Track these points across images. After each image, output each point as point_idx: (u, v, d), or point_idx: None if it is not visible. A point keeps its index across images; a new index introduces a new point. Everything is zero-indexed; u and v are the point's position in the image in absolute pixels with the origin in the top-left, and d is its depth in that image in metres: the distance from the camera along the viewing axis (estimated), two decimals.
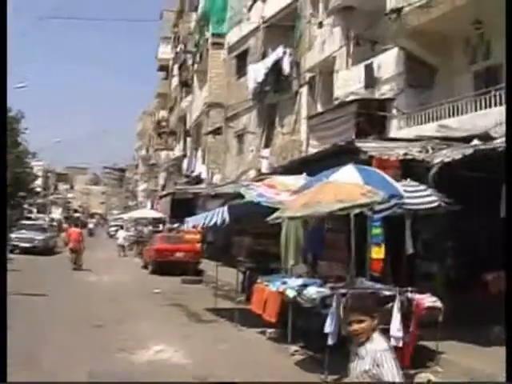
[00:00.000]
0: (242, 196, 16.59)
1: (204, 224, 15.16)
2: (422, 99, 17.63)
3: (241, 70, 33.18)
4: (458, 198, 12.08)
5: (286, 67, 26.16)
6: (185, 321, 15.32)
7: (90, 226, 69.86)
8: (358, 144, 13.90)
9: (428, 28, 16.18)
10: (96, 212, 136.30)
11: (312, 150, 21.69)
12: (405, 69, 17.87)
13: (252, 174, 29.27)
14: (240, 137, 33.23)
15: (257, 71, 28.16)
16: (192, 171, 41.88)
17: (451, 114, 15.53)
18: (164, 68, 69.01)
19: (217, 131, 36.33)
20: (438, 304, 10.26)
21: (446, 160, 10.85)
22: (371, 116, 18.39)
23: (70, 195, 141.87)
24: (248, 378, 9.55)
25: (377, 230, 12.32)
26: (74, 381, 9.19)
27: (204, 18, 40.82)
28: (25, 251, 33.08)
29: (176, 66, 56.90)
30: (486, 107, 14.49)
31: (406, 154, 12.59)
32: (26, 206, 65.50)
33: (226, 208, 14.12)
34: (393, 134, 17.66)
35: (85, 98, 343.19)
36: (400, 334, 9.98)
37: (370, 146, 13.84)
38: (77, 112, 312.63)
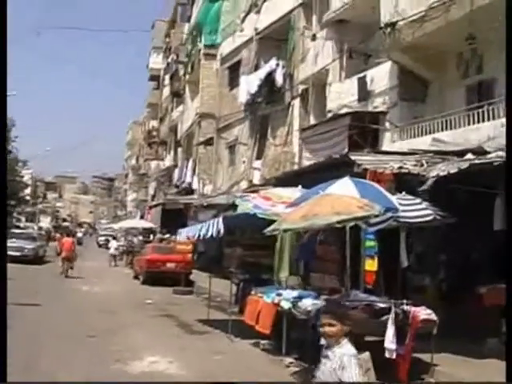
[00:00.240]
0: (234, 207, 16.64)
1: (200, 236, 15.11)
2: (414, 112, 17.78)
3: (233, 81, 33.26)
4: (451, 211, 12.20)
5: (278, 79, 26.25)
6: (178, 332, 15.28)
7: (79, 235, 69.51)
8: (353, 157, 13.98)
9: (421, 42, 16.31)
10: (84, 221, 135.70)
11: (305, 162, 21.81)
12: (398, 82, 18.01)
13: (244, 185, 29.35)
14: (232, 148, 33.27)
15: (250, 83, 28.22)
16: (183, 182, 41.86)
17: (444, 127, 15.66)
18: (155, 78, 68.96)
19: (208, 142, 36.35)
20: (433, 317, 10.33)
21: (442, 174, 10.94)
22: (364, 129, 18.49)
23: (58, 204, 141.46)
24: None
25: (370, 243, 12.40)
26: None
27: (197, 28, 41.00)
28: (14, 260, 32.82)
29: (167, 76, 56.97)
30: (478, 121, 14.63)
31: (400, 168, 12.67)
32: (15, 214, 65.27)
33: (220, 219, 14.11)
34: (386, 147, 17.75)
35: (74, 107, 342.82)
36: (393, 346, 10.05)
37: (364, 159, 13.94)
38: (66, 121, 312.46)
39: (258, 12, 29.81)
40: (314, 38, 23.50)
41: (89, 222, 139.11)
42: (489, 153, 11.84)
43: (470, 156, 11.98)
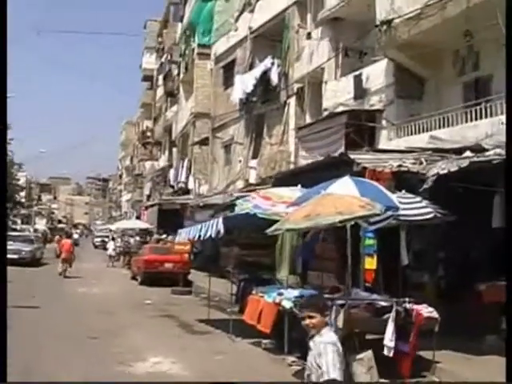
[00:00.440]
0: (232, 207, 16.60)
1: (200, 237, 15.08)
2: (411, 110, 17.74)
3: (228, 81, 33.19)
4: (450, 208, 12.23)
5: (274, 78, 26.19)
6: (179, 332, 15.30)
7: (75, 236, 69.37)
8: (353, 156, 13.99)
9: (418, 40, 16.26)
10: (80, 222, 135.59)
11: (301, 161, 21.79)
12: (394, 80, 17.96)
13: (240, 184, 29.33)
14: (227, 147, 33.20)
15: (245, 82, 28.18)
16: (178, 182, 41.80)
17: (441, 125, 15.64)
18: (148, 78, 68.79)
19: (203, 142, 36.31)
20: (435, 314, 10.36)
21: (442, 172, 10.96)
22: (361, 127, 18.46)
23: (53, 206, 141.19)
24: None
25: (370, 241, 12.45)
26: None
27: (190, 28, 40.93)
28: (12, 263, 32.73)
29: (161, 76, 56.84)
30: (476, 119, 14.64)
31: (400, 166, 12.68)
32: (11, 217, 65.07)
33: (220, 220, 14.09)
34: (382, 144, 17.74)
35: (68, 109, 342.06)
36: (392, 343, 10.10)
37: (363, 157, 13.95)
38: (60, 122, 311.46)
39: (252, 11, 29.73)
40: (308, 36, 23.45)
41: (84, 223, 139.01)
42: (487, 150, 11.86)
43: (468, 154, 12.00)
